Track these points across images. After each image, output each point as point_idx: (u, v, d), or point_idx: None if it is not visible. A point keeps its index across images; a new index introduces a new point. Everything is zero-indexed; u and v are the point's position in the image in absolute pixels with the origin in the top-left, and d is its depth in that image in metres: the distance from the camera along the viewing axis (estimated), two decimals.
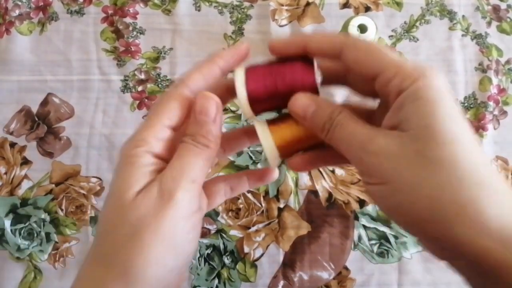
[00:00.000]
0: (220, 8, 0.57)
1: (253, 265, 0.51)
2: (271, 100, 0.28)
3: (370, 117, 0.28)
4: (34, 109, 0.54)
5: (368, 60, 0.25)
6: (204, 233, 0.51)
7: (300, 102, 0.27)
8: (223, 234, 0.51)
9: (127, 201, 0.24)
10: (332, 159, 0.29)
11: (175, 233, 0.24)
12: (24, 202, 0.52)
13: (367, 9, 0.57)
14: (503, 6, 0.59)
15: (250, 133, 0.31)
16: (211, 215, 0.51)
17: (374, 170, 0.23)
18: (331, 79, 0.30)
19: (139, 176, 0.25)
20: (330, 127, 0.25)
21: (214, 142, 0.26)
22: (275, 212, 0.52)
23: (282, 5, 0.57)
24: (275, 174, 0.33)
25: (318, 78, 0.28)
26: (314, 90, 0.27)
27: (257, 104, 0.28)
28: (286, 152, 0.29)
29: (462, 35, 0.57)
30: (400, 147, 0.22)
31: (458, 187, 0.21)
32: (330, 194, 0.52)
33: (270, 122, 0.29)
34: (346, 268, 0.51)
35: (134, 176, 0.25)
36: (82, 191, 0.52)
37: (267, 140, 0.28)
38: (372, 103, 0.29)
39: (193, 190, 0.25)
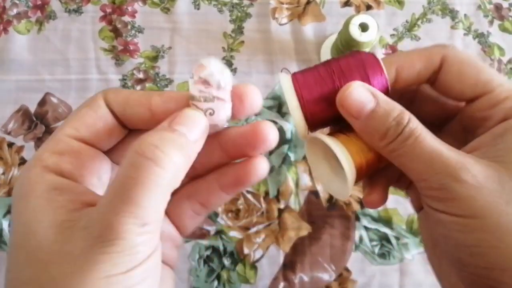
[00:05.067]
0: (219, 6, 0.56)
1: (253, 266, 0.50)
2: (330, 108, 0.22)
3: None
4: (32, 109, 0.53)
5: (474, 77, 0.21)
6: (204, 235, 0.50)
7: (355, 93, 0.21)
8: (223, 236, 0.51)
9: (41, 252, 0.17)
10: (395, 182, 0.26)
11: None
12: None
13: (368, 7, 0.57)
14: (505, 5, 0.58)
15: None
16: (211, 216, 0.51)
17: (463, 202, 0.20)
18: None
19: (47, 211, 0.18)
20: (397, 136, 0.21)
21: (189, 157, 0.19)
22: (275, 213, 0.51)
23: (283, 3, 0.56)
24: (264, 167, 0.22)
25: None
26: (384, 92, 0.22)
27: (315, 116, 0.23)
28: (359, 178, 0.23)
29: (464, 34, 0.57)
30: (499, 182, 0.19)
31: None
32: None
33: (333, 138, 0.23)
34: (347, 270, 0.50)
35: (40, 212, 0.18)
36: None
37: (348, 162, 0.22)
38: None
39: (146, 232, 0.18)
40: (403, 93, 0.26)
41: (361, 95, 0.21)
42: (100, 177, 0.22)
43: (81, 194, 0.20)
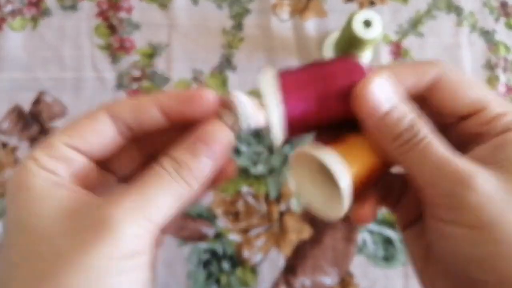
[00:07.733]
0: (218, 2, 0.55)
1: (253, 270, 0.49)
2: (315, 117, 0.21)
3: None
4: (26, 108, 0.52)
5: (468, 95, 0.22)
6: (202, 238, 0.49)
7: (379, 89, 0.20)
8: (222, 238, 0.49)
9: (41, 230, 0.18)
10: (381, 200, 0.25)
11: (107, 274, 0.18)
12: None
13: (372, 3, 0.56)
14: (511, 2, 0.57)
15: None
16: (210, 219, 0.50)
17: (473, 211, 0.19)
18: None
19: (50, 198, 0.19)
20: (409, 139, 0.20)
21: (200, 183, 0.20)
22: (276, 215, 0.50)
23: None
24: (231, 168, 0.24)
25: None
26: None
27: (296, 124, 0.21)
28: (356, 192, 0.22)
29: (470, 32, 0.55)
30: (506, 191, 0.19)
31: None
32: None
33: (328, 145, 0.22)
34: (350, 274, 0.49)
35: (44, 199, 0.19)
36: None
37: (345, 177, 0.20)
38: None
39: (144, 228, 0.19)
40: None
41: (383, 91, 0.20)
42: (91, 189, 0.22)
43: (80, 192, 0.20)
